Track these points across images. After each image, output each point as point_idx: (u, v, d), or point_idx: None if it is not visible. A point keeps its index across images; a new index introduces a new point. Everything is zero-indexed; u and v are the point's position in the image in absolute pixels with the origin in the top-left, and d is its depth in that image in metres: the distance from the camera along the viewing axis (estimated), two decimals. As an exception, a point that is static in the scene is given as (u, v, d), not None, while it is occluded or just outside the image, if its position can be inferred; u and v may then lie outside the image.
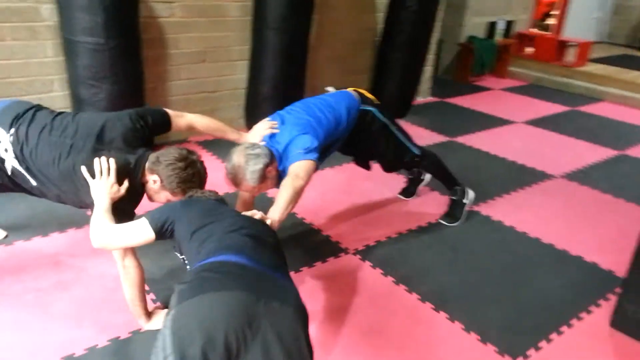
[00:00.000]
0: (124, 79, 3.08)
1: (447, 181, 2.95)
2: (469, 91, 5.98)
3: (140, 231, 1.57)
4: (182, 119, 2.18)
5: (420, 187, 3.26)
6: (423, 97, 5.56)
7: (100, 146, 1.87)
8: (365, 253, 2.60)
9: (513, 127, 4.82)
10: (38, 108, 1.97)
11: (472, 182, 3.37)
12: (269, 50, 3.69)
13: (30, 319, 1.99)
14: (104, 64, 2.96)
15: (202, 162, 1.94)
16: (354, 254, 2.59)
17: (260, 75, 3.80)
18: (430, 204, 3.14)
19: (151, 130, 2.03)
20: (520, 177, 3.66)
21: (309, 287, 2.32)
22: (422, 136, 4.34)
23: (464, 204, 2.96)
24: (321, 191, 3.25)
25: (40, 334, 1.93)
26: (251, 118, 4.01)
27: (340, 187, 3.31)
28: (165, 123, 2.11)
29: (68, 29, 2.92)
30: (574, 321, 2.19)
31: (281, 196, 1.89)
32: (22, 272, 2.25)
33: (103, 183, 1.80)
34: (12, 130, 1.84)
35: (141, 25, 3.28)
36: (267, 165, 2.05)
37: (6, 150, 1.83)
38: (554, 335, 2.10)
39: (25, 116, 1.89)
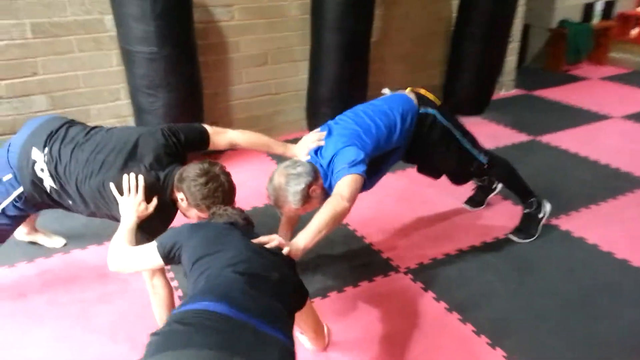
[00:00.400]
0: (180, 86, 3.09)
1: (520, 192, 2.62)
2: (560, 82, 5.38)
3: (149, 256, 1.51)
4: (222, 136, 2.11)
5: (491, 196, 2.94)
6: (506, 90, 5.10)
7: (131, 162, 1.84)
8: (418, 273, 2.37)
9: (609, 123, 4.25)
10: (71, 124, 1.98)
11: (554, 189, 3.01)
12: (328, 49, 3.53)
13: (71, 332, 2.03)
14: (159, 73, 2.98)
15: (227, 175, 1.84)
16: (406, 273, 2.38)
17: (320, 76, 3.66)
18: (501, 216, 2.82)
19: (185, 147, 1.97)
20: (612, 184, 3.18)
21: (350, 310, 2.16)
22: (500, 135, 3.97)
23: (540, 218, 2.61)
24: (377, 199, 3.03)
25: (78, 347, 1.96)
26: (313, 119, 3.90)
27: (399, 194, 3.09)
28: (202, 140, 2.04)
29: (125, 39, 2.97)
30: (662, 369, 1.82)
31: (316, 219, 1.73)
32: (73, 282, 2.31)
33: (130, 201, 1.77)
34: (46, 150, 1.86)
35: (198, 31, 3.27)
36: (310, 185, 1.89)
37: (42, 170, 1.86)
38: (636, 386, 1.75)
39: (58, 133, 1.90)
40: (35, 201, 1.96)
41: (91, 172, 1.82)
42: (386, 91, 2.39)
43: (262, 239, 1.51)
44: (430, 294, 2.22)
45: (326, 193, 1.99)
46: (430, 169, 2.53)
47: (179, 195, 1.81)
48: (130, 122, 3.35)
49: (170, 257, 1.49)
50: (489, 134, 4.01)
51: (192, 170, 1.80)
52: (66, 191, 1.88)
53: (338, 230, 2.71)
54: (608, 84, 5.31)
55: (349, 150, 1.97)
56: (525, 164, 2.56)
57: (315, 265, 2.44)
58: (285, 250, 1.51)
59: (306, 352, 1.89)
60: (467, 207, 2.93)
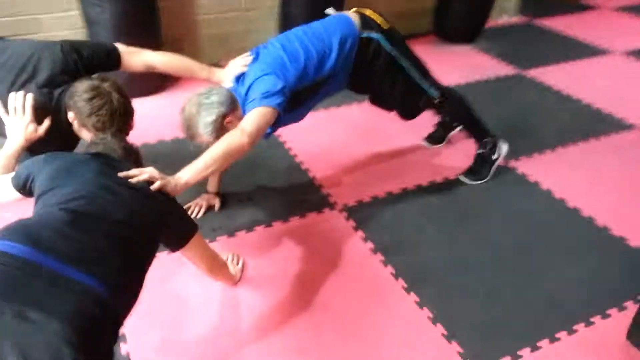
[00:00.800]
0: (126, -3, 2.86)
1: (475, 131, 2.45)
2: (569, 10, 4.95)
3: (4, 188, 1.41)
4: (137, 56, 1.94)
5: (452, 134, 2.77)
6: (508, 16, 4.73)
7: (21, 79, 1.70)
8: (354, 211, 2.28)
9: (607, 58, 3.93)
10: None
11: (524, 128, 2.85)
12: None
13: None
14: (103, -19, 2.75)
15: (120, 93, 1.68)
16: (341, 210, 2.28)
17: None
18: (458, 155, 2.66)
19: (87, 65, 1.81)
20: (589, 126, 2.98)
21: (273, 246, 2.09)
22: (485, 67, 3.71)
23: (494, 160, 2.46)
24: (332, 131, 2.91)
25: None
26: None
27: (358, 128, 2.93)
28: (109, 59, 1.88)
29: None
30: (579, 326, 1.75)
31: (207, 153, 1.61)
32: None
33: (17, 122, 1.65)
34: None
35: None
36: (224, 115, 1.78)
37: None
38: (543, 343, 1.69)
39: None
40: None
41: None
42: (330, 11, 2.16)
43: (130, 172, 1.37)
44: (359, 234, 2.14)
45: None
46: (379, 101, 2.34)
47: (70, 114, 1.69)
48: (83, 34, 3.16)
49: (25, 189, 1.37)
50: (473, 64, 3.76)
51: (80, 85, 1.66)
52: None
53: (281, 160, 2.62)
54: (620, 15, 4.87)
55: (266, 80, 1.80)
56: (501, 100, 2.36)
57: (249, 196, 2.37)
58: (155, 185, 1.38)
59: (214, 286, 1.85)
60: (426, 144, 2.78)
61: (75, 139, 1.82)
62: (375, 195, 2.38)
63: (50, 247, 1.05)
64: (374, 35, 2.03)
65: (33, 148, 1.70)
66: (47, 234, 1.08)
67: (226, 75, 1.95)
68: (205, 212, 2.25)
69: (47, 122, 1.70)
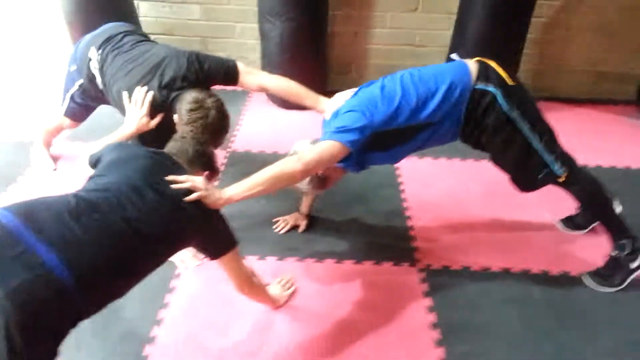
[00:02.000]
0: (298, 17, 3.05)
1: (610, 227, 1.99)
2: None
3: (84, 161, 1.59)
4: (253, 77, 2.07)
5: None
6: None
7: (149, 77, 1.93)
8: (435, 276, 2.04)
9: None
10: (128, 33, 2.14)
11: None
12: (476, 2, 3.03)
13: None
14: (280, 1, 2.99)
15: (219, 111, 1.79)
16: (421, 270, 2.07)
17: (463, 34, 3.19)
18: (595, 251, 2.17)
19: (205, 77, 1.98)
20: None
21: (332, 282, 2.00)
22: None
23: (631, 269, 1.96)
24: (454, 184, 2.66)
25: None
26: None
27: (484, 186, 2.62)
28: (227, 75, 2.03)
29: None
30: None
31: (258, 174, 1.60)
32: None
33: (135, 112, 1.88)
34: (100, 51, 2.08)
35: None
36: None
37: (95, 67, 2.10)
38: None
39: (114, 39, 2.09)
40: (91, 94, 2.22)
41: (117, 77, 1.98)
42: (454, 56, 1.99)
43: (177, 177, 1.40)
44: (426, 302, 1.91)
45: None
46: (495, 161, 2.05)
47: (175, 116, 1.87)
48: (257, 46, 3.48)
49: (95, 167, 1.51)
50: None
51: (188, 95, 1.82)
52: (108, 91, 2.09)
53: (388, 200, 2.51)
54: None
55: (349, 115, 1.74)
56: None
57: (338, 227, 2.31)
58: (192, 196, 1.38)
59: (254, 305, 1.84)
60: (560, 226, 2.35)
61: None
62: (468, 266, 2.10)
63: (39, 227, 1.11)
64: (490, 88, 1.80)
65: (143, 137, 1.93)
66: (43, 216, 1.14)
67: (329, 107, 1.94)
68: (288, 230, 2.27)
69: (158, 118, 1.92)
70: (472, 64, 1.86)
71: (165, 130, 1.90)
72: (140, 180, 1.33)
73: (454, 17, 3.30)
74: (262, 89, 2.10)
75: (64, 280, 1.07)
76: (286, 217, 2.31)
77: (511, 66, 3.13)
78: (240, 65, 2.05)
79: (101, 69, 2.06)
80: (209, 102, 1.79)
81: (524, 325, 1.83)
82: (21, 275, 1.03)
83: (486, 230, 2.33)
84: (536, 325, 1.83)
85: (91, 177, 1.40)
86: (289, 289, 1.92)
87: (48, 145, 2.72)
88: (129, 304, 1.82)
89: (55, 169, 2.66)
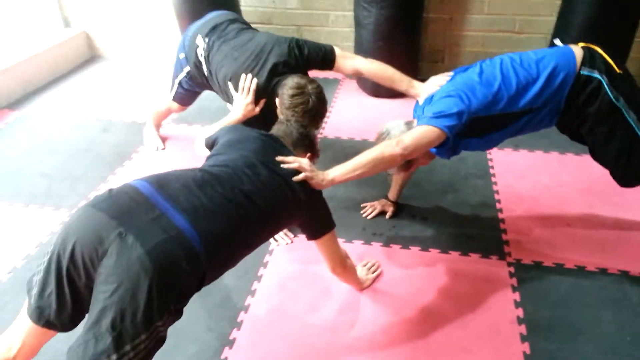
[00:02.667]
0: (395, 3, 3.05)
1: None
2: None
3: (201, 142, 1.75)
4: (349, 61, 2.13)
5: None
6: None
7: (254, 64, 2.06)
8: (524, 270, 2.00)
9: None
10: (233, 21, 2.27)
11: None
12: (586, -12, 2.85)
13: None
14: (375, -12, 3.02)
15: (318, 97, 1.89)
16: (510, 264, 2.04)
17: (568, 21, 3.02)
18: None
19: (305, 62, 2.07)
20: None
21: (417, 270, 2.03)
22: None
23: None
24: (553, 178, 2.56)
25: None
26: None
27: (587, 182, 2.49)
28: (324, 59, 2.11)
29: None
30: None
31: (359, 156, 1.65)
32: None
33: (242, 99, 2.02)
34: (207, 39, 2.23)
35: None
36: None
37: (201, 55, 2.26)
38: None
39: (220, 27, 2.23)
40: (197, 80, 2.39)
41: (223, 64, 2.12)
42: (558, 42, 1.90)
43: (286, 158, 1.51)
44: (514, 296, 1.88)
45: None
46: (594, 154, 1.95)
47: (277, 100, 1.98)
48: (351, 34, 3.53)
49: (211, 147, 1.65)
50: None
51: (290, 80, 1.92)
52: (213, 77, 2.25)
53: (480, 191, 2.49)
54: None
55: (446, 101, 1.74)
56: None
57: (425, 215, 2.33)
58: (299, 176, 1.48)
59: (343, 284, 1.92)
60: (667, 228, 2.19)
61: (275, 120, 2.13)
62: (561, 263, 2.03)
63: (171, 195, 1.24)
64: (596, 75, 1.72)
65: (249, 121, 2.06)
66: (175, 185, 1.27)
67: (423, 91, 1.95)
68: (376, 216, 2.32)
69: (262, 103, 2.04)
70: (576, 49, 1.79)
71: (268, 113, 2.03)
72: (255, 158, 1.45)
73: (559, 2, 3.13)
74: (357, 73, 2.15)
75: (193, 242, 1.18)
76: (374, 202, 2.36)
77: (620, 54, 2.95)
78: (337, 50, 2.12)
79: (207, 57, 2.21)
80: (310, 88, 1.88)
81: (618, 328, 1.75)
82: (159, 236, 1.15)
83: (583, 227, 2.22)
84: (631, 330, 1.74)
85: (210, 156, 1.54)
86: (374, 272, 1.98)
87: (158, 126, 2.98)
88: (227, 275, 1.94)
89: (164, 148, 2.91)
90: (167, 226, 1.18)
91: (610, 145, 1.80)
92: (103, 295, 1.11)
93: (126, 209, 1.20)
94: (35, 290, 1.23)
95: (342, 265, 1.75)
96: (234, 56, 2.11)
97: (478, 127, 1.80)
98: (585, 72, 1.74)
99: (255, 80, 2.03)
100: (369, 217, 2.32)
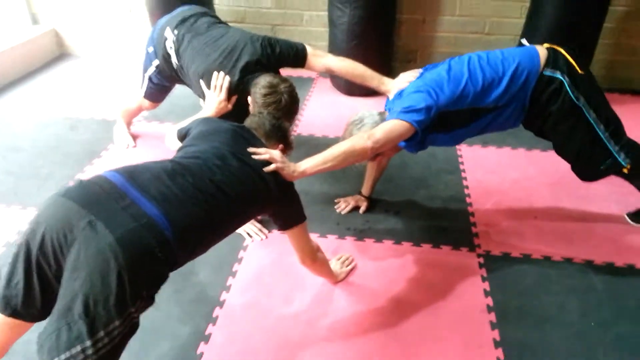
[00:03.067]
0: (366, 4, 3.10)
1: None
2: None
3: (173, 135, 1.74)
4: (319, 59, 2.16)
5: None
6: None
7: (226, 62, 2.05)
8: (492, 261, 2.05)
9: None
10: (202, 15, 2.26)
11: None
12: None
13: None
14: (349, -12, 3.05)
15: (291, 94, 1.91)
16: (479, 255, 2.09)
17: (537, 21, 3.10)
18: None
19: (276, 61, 2.09)
20: None
21: (389, 262, 2.06)
22: None
23: None
24: (520, 173, 2.65)
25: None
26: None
27: (551, 177, 2.58)
28: (296, 57, 2.13)
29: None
30: None
31: (330, 149, 1.67)
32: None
33: (214, 97, 2.02)
34: (176, 31, 2.22)
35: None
36: None
37: (170, 47, 2.24)
38: None
39: (189, 20, 2.22)
40: (166, 74, 2.37)
41: (194, 60, 2.12)
42: (524, 42, 1.98)
43: (257, 149, 1.52)
44: (483, 285, 1.93)
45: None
46: (557, 149, 2.03)
47: (249, 98, 1.98)
48: (325, 33, 3.56)
49: (183, 139, 1.65)
50: None
51: (263, 79, 1.93)
52: (184, 71, 2.24)
53: (450, 185, 2.54)
54: None
55: (415, 96, 1.78)
56: None
57: (398, 209, 2.36)
58: (270, 167, 1.50)
59: (314, 279, 1.93)
60: (629, 220, 2.28)
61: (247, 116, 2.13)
62: (528, 254, 2.09)
63: (141, 184, 1.25)
64: (558, 75, 1.79)
65: (221, 117, 2.06)
66: (145, 176, 1.28)
67: (393, 87, 1.99)
68: (350, 211, 2.34)
69: (234, 100, 2.04)
70: (541, 50, 1.85)
71: (240, 110, 2.03)
72: (225, 149, 1.46)
73: (527, 4, 3.23)
74: (328, 70, 2.18)
75: (164, 229, 1.19)
76: (348, 198, 2.39)
77: (585, 55, 3.05)
78: (308, 48, 2.14)
79: (177, 50, 2.20)
80: (282, 87, 1.90)
81: (584, 315, 1.81)
82: (130, 223, 1.15)
83: (549, 219, 2.30)
84: (596, 316, 1.81)
85: (182, 147, 1.55)
86: (348, 265, 2.00)
87: (129, 124, 2.94)
88: (202, 270, 1.98)
89: (134, 146, 2.87)
90: (137, 214, 1.18)
91: (572, 141, 1.88)
92: (73, 282, 1.10)
93: (96, 198, 1.19)
94: (2, 282, 1.21)
95: (312, 258, 1.76)
96: (205, 52, 2.10)
97: (445, 121, 1.85)
98: (547, 72, 1.81)
99: (227, 78, 2.03)
100: (342, 212, 2.34)
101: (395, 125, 1.73)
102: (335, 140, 1.87)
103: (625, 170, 1.85)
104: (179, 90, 2.59)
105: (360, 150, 1.68)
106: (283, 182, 1.55)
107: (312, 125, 3.10)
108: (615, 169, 1.87)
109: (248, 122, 1.69)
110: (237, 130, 1.60)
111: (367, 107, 3.15)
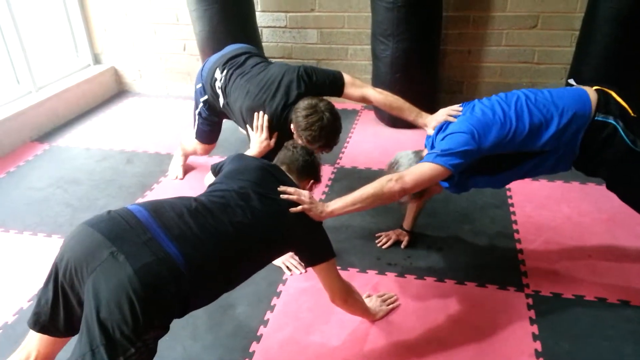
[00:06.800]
0: (410, 37, 3.11)
1: None
2: None
3: (211, 172, 1.80)
4: (357, 89, 2.18)
5: None
6: None
7: (265, 97, 2.11)
8: (542, 302, 1.95)
9: None
10: (251, 55, 2.34)
11: None
12: (602, 19, 2.85)
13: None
14: (392, 22, 3.08)
15: (332, 114, 1.95)
16: (528, 296, 1.99)
17: (587, 52, 3.01)
18: None
19: (315, 88, 2.12)
20: None
21: (432, 301, 1.99)
22: None
23: None
24: (574, 208, 2.51)
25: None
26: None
27: (608, 213, 2.44)
28: (333, 86, 2.16)
29: (373, -15, 3.16)
30: None
31: (359, 191, 1.67)
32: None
33: (256, 137, 2.08)
34: (224, 72, 2.30)
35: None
36: None
37: (219, 87, 2.33)
38: None
39: (237, 60, 2.30)
40: (215, 110, 2.45)
41: (238, 97, 2.18)
42: (572, 82, 1.92)
43: (287, 188, 1.54)
44: (531, 329, 1.83)
45: None
46: (614, 190, 1.93)
47: (292, 126, 2.02)
48: (369, 67, 3.59)
49: (216, 175, 1.71)
50: None
51: (301, 102, 1.98)
52: (230, 108, 2.31)
53: (497, 221, 2.47)
54: None
55: (457, 137, 1.75)
56: None
57: (441, 245, 2.30)
58: (298, 208, 1.52)
59: (353, 317, 1.89)
60: (695, 260, 2.11)
61: None
62: (581, 295, 1.97)
63: (164, 222, 1.31)
64: (611, 120, 1.73)
65: (266, 155, 2.12)
66: (169, 214, 1.34)
67: (431, 122, 1.97)
68: (391, 245, 2.31)
69: (275, 136, 2.09)
70: (592, 93, 1.80)
71: (280, 144, 2.06)
72: (251, 189, 1.49)
73: (577, 33, 3.14)
74: (365, 100, 2.19)
75: (179, 265, 1.25)
76: (389, 232, 2.35)
77: (637, 89, 2.91)
78: (346, 77, 2.17)
79: (224, 89, 2.28)
80: (322, 105, 1.94)
81: (642, 365, 1.68)
82: (148, 257, 1.22)
83: (605, 258, 2.16)
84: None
85: (212, 184, 1.59)
86: (390, 304, 1.95)
87: (186, 157, 3.01)
88: (240, 304, 1.99)
89: (182, 178, 2.96)
90: (157, 249, 1.25)
91: (631, 186, 1.82)
92: (94, 309, 1.17)
93: (120, 231, 1.27)
94: (35, 300, 1.35)
95: (342, 298, 1.73)
96: (247, 89, 2.17)
97: (488, 164, 1.82)
98: (600, 117, 1.75)
99: (266, 117, 2.08)
100: (384, 247, 2.30)
101: (428, 169, 1.72)
102: (379, 173, 1.88)
103: None
104: (226, 125, 2.67)
105: (388, 193, 1.68)
106: (310, 222, 1.57)
107: (355, 157, 3.11)
108: None
109: (281, 155, 1.72)
110: (267, 168, 1.63)
111: (411, 139, 3.18)
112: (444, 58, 3.56)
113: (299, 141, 2.02)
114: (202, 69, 2.45)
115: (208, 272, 1.32)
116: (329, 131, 1.96)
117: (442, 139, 1.82)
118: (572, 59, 3.18)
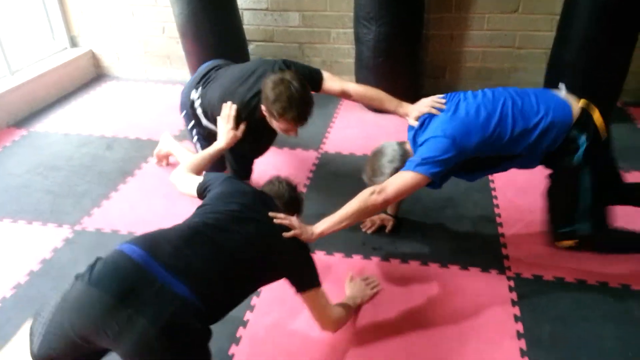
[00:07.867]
0: (393, 21, 3.09)
1: None
2: None
3: (191, 187, 1.75)
4: (335, 82, 2.18)
5: None
6: None
7: (241, 88, 2.09)
8: (524, 285, 1.99)
9: None
10: (219, 67, 2.31)
11: None
12: (581, 4, 2.87)
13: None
14: (374, 4, 3.05)
15: (301, 85, 1.92)
16: (510, 278, 2.03)
17: (566, 36, 3.03)
18: None
19: None
20: None
21: (416, 284, 2.02)
22: None
23: None
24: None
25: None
26: (550, 87, 3.33)
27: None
28: (312, 80, 2.13)
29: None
30: None
31: (343, 209, 1.71)
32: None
33: (223, 128, 2.06)
34: (199, 89, 2.26)
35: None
36: (397, 168, 1.87)
37: (198, 107, 2.28)
38: None
39: (208, 75, 2.27)
40: (204, 133, 2.38)
41: (212, 96, 2.17)
42: (562, 87, 1.95)
43: (278, 214, 1.56)
44: (513, 310, 1.88)
45: None
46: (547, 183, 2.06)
47: (263, 108, 1.99)
48: (352, 50, 3.56)
49: (202, 194, 1.69)
50: None
51: (269, 78, 1.95)
52: (210, 119, 2.25)
53: (480, 206, 2.49)
54: None
55: (438, 142, 1.78)
56: None
57: (424, 229, 2.33)
58: (289, 233, 1.54)
59: (336, 299, 1.91)
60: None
61: (266, 135, 2.15)
62: (561, 277, 2.02)
63: (165, 261, 1.29)
64: (582, 139, 1.81)
65: (239, 143, 2.09)
66: (166, 249, 1.32)
67: (412, 112, 1.97)
68: (376, 230, 2.32)
69: (242, 126, 2.06)
70: (575, 108, 1.85)
71: (257, 132, 2.06)
72: (244, 214, 1.51)
73: (557, 17, 3.16)
74: (345, 94, 2.18)
75: (196, 304, 1.28)
76: (374, 217, 2.37)
77: (619, 68, 2.96)
78: (325, 73, 2.17)
79: (202, 104, 2.26)
80: (288, 76, 1.91)
81: (619, 344, 1.73)
82: (167, 310, 1.22)
83: (584, 241, 2.21)
84: (633, 345, 1.72)
85: (201, 206, 1.58)
86: (373, 288, 1.97)
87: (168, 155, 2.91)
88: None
89: (162, 165, 2.89)
90: (171, 297, 1.25)
91: (556, 192, 1.98)
92: None
93: (128, 286, 1.23)
94: (35, 339, 1.32)
95: (333, 326, 1.73)
96: (221, 83, 2.16)
97: (466, 166, 1.88)
98: (574, 132, 1.82)
99: (234, 107, 2.05)
100: (368, 232, 2.32)
101: (409, 179, 1.75)
102: (363, 158, 1.88)
103: (577, 236, 1.94)
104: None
105: (372, 207, 1.73)
106: (300, 245, 1.59)
107: (339, 142, 3.10)
108: (567, 235, 1.97)
109: (267, 189, 1.73)
110: (257, 194, 1.64)
111: (394, 124, 3.19)
112: (427, 42, 3.56)
113: (273, 123, 1.99)
114: (181, 97, 2.42)
115: (216, 296, 1.36)
116: (299, 100, 1.91)
117: (422, 144, 1.83)
118: (552, 43, 3.21)
